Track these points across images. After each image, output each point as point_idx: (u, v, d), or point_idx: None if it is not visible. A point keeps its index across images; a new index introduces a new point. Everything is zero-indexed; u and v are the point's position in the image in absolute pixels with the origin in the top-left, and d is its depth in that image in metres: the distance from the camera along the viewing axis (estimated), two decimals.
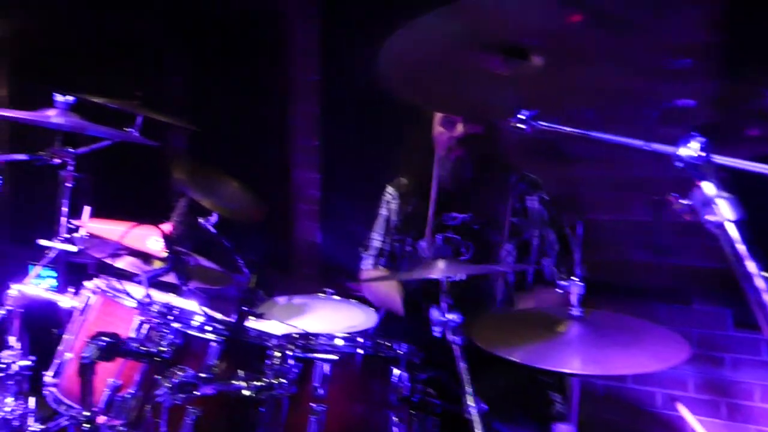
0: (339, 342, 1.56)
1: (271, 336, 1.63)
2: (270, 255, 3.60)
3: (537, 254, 2.21)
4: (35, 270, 2.17)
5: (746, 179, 0.98)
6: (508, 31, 1.22)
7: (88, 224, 2.20)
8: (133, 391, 1.56)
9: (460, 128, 2.17)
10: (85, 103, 2.29)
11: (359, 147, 3.67)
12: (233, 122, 4.09)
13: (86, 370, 1.34)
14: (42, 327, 2.20)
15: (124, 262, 2.14)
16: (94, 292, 1.87)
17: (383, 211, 2.45)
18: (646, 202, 2.92)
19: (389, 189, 2.47)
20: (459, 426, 1.49)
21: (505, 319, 1.81)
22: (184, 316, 1.62)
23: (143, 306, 1.64)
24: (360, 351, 1.56)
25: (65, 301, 2.02)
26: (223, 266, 2.21)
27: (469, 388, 1.37)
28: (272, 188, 3.96)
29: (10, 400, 2.03)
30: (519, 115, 1.22)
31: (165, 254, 1.86)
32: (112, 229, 2.06)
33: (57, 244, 2.15)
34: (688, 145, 1.03)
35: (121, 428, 1.52)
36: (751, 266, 0.92)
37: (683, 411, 2.18)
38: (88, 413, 1.38)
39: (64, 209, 2.28)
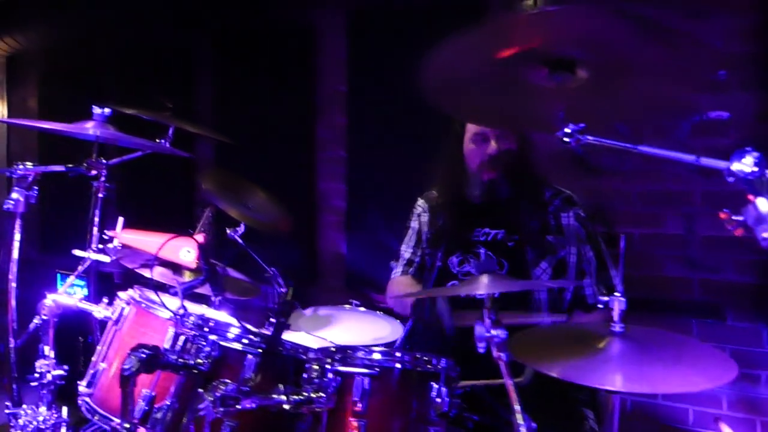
0: (377, 356, 1.55)
1: (308, 349, 1.63)
2: (296, 266, 3.60)
3: (575, 272, 2.16)
4: (69, 280, 2.19)
5: None
6: (554, 44, 1.21)
7: (122, 234, 2.21)
8: (169, 403, 1.56)
9: (493, 145, 2.15)
10: (117, 114, 2.31)
11: (385, 159, 3.68)
12: (261, 133, 4.11)
13: (127, 381, 1.34)
14: (68, 335, 2.21)
15: (155, 273, 2.14)
16: (128, 303, 1.87)
17: (414, 224, 2.44)
18: (680, 215, 2.89)
19: (420, 202, 2.46)
20: None
21: (543, 334, 1.78)
22: (220, 328, 1.61)
23: (178, 317, 1.63)
24: (398, 365, 1.54)
25: (99, 311, 2.02)
26: (249, 276, 2.21)
27: (517, 406, 1.35)
28: (299, 199, 3.98)
29: (43, 409, 2.05)
30: (565, 129, 1.21)
31: (197, 265, 1.85)
32: (144, 240, 2.05)
33: (91, 254, 2.16)
34: (742, 160, 1.01)
35: None
36: None
37: (726, 430, 2.13)
38: (128, 425, 1.38)
39: (96, 219, 2.30)
